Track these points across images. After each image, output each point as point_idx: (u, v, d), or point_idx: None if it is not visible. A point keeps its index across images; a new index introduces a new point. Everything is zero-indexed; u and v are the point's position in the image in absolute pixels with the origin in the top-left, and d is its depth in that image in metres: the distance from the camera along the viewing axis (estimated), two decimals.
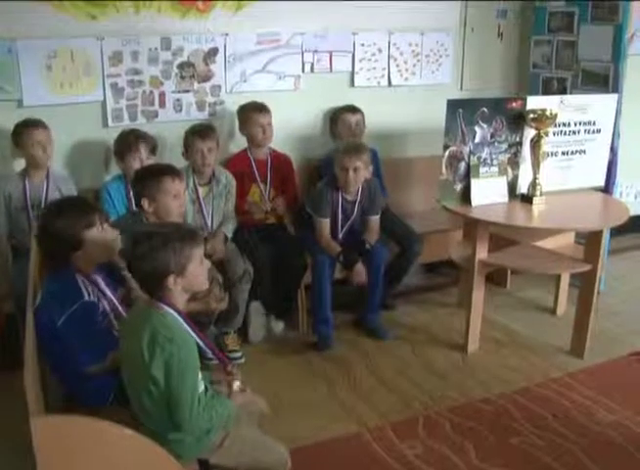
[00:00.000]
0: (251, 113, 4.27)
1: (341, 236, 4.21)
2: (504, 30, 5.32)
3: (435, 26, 5.00)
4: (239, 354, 3.94)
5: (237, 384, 2.52)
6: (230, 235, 4.09)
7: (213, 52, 4.33)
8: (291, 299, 4.27)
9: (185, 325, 2.32)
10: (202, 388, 2.36)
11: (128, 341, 2.28)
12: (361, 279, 4.09)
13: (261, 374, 3.74)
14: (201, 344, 2.39)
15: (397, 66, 4.94)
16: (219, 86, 4.40)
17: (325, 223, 4.13)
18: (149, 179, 3.30)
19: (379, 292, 4.23)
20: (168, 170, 3.34)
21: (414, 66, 5.00)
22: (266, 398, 2.80)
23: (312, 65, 4.64)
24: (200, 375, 2.33)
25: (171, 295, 2.31)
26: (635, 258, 5.62)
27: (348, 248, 4.13)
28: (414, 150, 5.03)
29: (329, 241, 4.12)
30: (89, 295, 2.58)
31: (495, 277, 4.71)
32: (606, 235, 4.22)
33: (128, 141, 3.94)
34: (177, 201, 3.33)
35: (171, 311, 2.28)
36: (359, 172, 4.05)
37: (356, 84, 4.82)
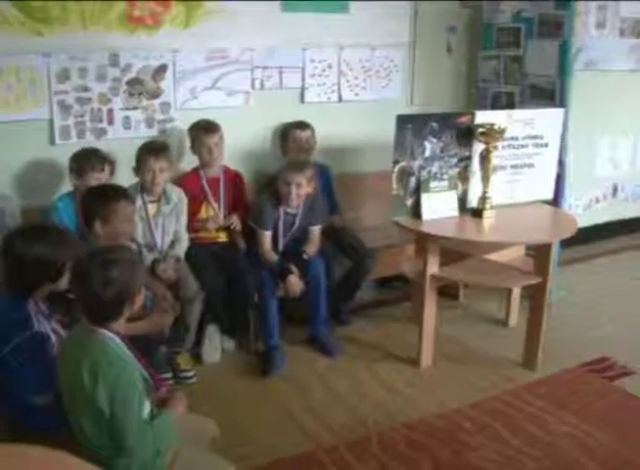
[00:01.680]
0: (198, 133, 4.23)
1: (281, 247, 4.23)
2: (453, 46, 5.38)
3: (385, 42, 5.02)
4: (191, 374, 3.88)
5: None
6: (182, 256, 4.04)
7: (163, 68, 4.28)
8: (243, 317, 4.22)
9: (126, 349, 2.27)
10: (147, 411, 2.30)
11: (68, 369, 2.22)
12: (294, 291, 4.08)
13: (214, 394, 3.70)
14: (139, 367, 2.34)
15: (348, 81, 4.94)
16: (169, 103, 4.34)
17: (266, 235, 4.15)
18: (103, 201, 3.28)
19: (323, 305, 4.21)
20: (123, 194, 3.35)
21: (364, 81, 5.01)
22: (219, 418, 2.77)
23: (262, 81, 4.62)
24: (144, 398, 2.28)
25: (119, 318, 2.27)
26: (584, 269, 5.70)
27: (287, 259, 4.14)
28: (366, 165, 5.02)
29: (268, 252, 4.14)
30: (38, 324, 2.50)
31: (448, 290, 4.71)
32: (555, 247, 4.26)
33: (91, 160, 3.84)
34: (129, 224, 3.38)
35: (112, 336, 2.24)
36: (301, 188, 4.08)
37: (307, 100, 4.82)
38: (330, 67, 4.86)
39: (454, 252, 4.06)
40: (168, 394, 2.50)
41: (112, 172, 3.96)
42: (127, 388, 2.16)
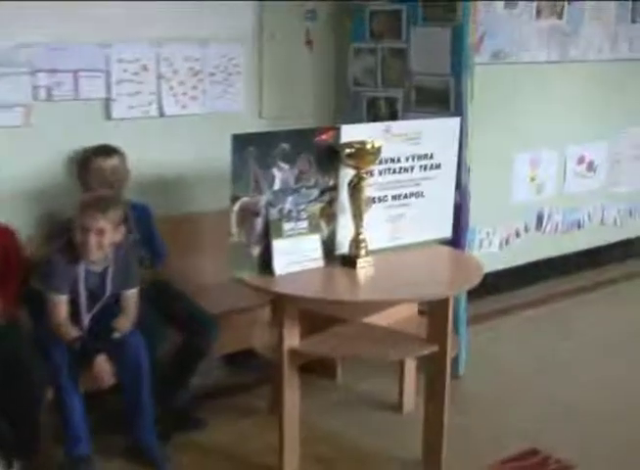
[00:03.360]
0: None
1: (87, 322, 4.02)
2: (314, 38, 5.39)
3: (222, 35, 4.98)
4: None
5: None
6: None
7: None
8: (32, 425, 3.92)
9: None
10: None
11: None
12: (104, 377, 3.91)
13: None
14: None
15: (171, 88, 4.85)
16: None
17: (59, 301, 3.94)
18: None
19: (147, 399, 4.03)
20: None
21: (194, 88, 4.93)
22: None
23: (49, 90, 4.42)
24: None
25: None
26: (502, 326, 5.78)
27: (92, 336, 3.95)
28: (200, 203, 4.95)
29: (63, 323, 3.91)
30: None
31: (320, 367, 4.63)
32: (460, 301, 4.20)
33: None
34: None
35: None
36: (105, 236, 3.91)
37: (115, 115, 4.66)
38: (145, 69, 4.75)
39: (322, 316, 3.95)
40: None
41: None
42: None
